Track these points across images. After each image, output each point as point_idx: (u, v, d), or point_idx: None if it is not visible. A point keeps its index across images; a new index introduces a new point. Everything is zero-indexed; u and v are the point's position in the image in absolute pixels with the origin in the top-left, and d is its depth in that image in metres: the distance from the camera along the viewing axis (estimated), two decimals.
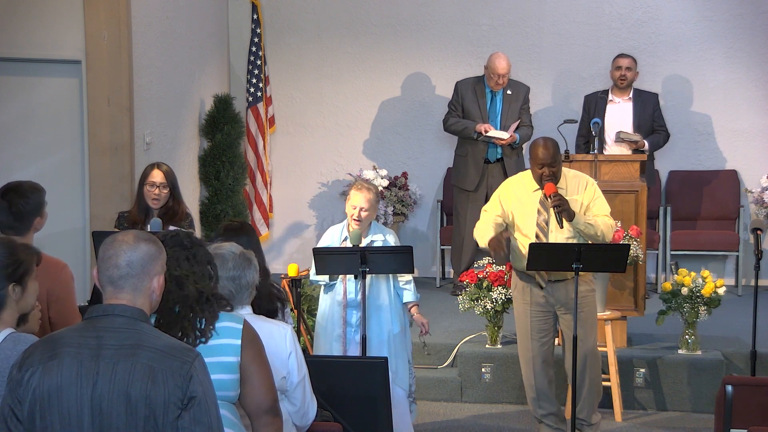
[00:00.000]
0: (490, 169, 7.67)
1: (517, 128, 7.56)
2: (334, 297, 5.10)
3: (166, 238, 2.91)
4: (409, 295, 5.13)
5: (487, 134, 7.48)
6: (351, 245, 4.98)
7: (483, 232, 5.09)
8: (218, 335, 2.85)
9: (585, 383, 5.16)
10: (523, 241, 5.06)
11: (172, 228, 5.05)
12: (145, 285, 2.53)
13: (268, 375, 2.94)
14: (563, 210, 4.91)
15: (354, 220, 5.02)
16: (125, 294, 2.50)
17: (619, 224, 5.88)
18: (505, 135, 7.46)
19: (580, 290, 4.97)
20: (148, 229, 5.10)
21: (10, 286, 2.98)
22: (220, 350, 2.84)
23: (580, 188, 5.06)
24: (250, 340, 2.90)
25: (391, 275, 5.09)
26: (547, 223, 5.02)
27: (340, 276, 5.07)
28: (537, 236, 5.02)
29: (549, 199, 4.93)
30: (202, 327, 2.84)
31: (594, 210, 5.03)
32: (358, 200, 5.01)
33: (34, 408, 2.41)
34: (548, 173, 4.95)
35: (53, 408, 2.40)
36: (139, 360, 2.40)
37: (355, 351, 5.01)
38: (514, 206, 5.10)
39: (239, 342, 2.87)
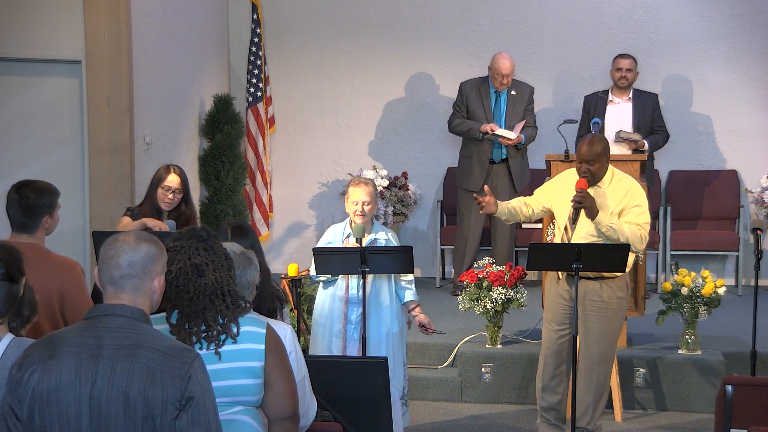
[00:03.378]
0: (495, 169, 7.67)
1: (522, 129, 7.56)
2: (335, 293, 5.08)
3: (183, 231, 2.94)
4: (410, 294, 5.13)
5: (495, 132, 7.48)
6: (355, 239, 4.98)
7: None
8: (241, 339, 2.85)
9: (590, 390, 5.13)
10: (558, 232, 5.11)
11: None
12: (146, 285, 2.53)
13: (292, 382, 2.94)
14: (583, 207, 4.93)
15: (358, 215, 5.00)
16: (126, 294, 2.51)
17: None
18: (512, 135, 7.45)
19: (602, 296, 5.01)
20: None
21: (22, 280, 2.98)
22: (244, 355, 2.84)
23: (622, 191, 5.01)
24: (275, 345, 2.91)
25: (392, 274, 5.09)
26: (574, 219, 5.06)
27: None
28: (565, 229, 5.07)
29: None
30: (224, 323, 2.84)
31: (628, 217, 4.97)
32: (359, 195, 5.01)
33: (33, 407, 2.42)
34: (584, 170, 4.97)
35: (52, 407, 2.40)
36: (138, 360, 2.40)
37: (354, 348, 5.00)
38: (557, 197, 5.15)
39: (263, 347, 2.86)
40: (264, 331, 2.89)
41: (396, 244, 5.13)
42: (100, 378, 2.39)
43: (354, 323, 5.03)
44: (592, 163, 4.95)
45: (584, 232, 5.00)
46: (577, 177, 5.09)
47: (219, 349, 2.82)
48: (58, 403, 2.40)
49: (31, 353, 2.47)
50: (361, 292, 4.98)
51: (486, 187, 5.23)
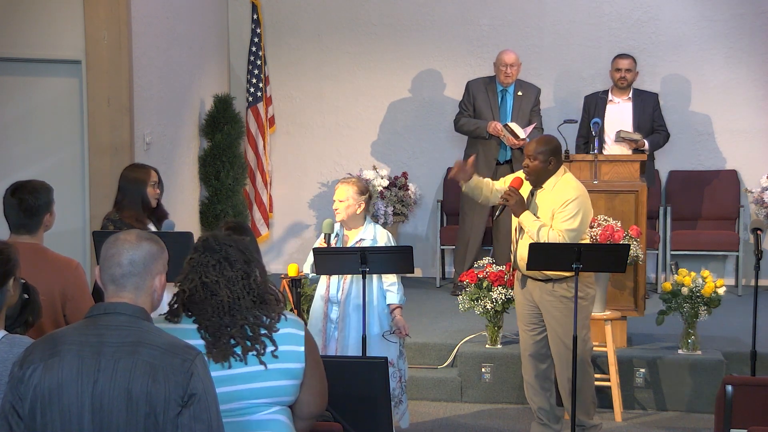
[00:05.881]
0: (500, 171, 7.65)
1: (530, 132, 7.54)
2: (319, 292, 5.16)
3: (198, 243, 2.91)
4: (392, 297, 5.10)
5: (507, 124, 7.44)
6: (324, 235, 5.00)
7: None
8: (283, 341, 2.85)
9: (564, 388, 5.17)
10: (516, 234, 5.12)
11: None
12: (147, 284, 2.55)
13: (325, 380, 2.98)
14: (508, 204, 4.98)
15: (337, 213, 5.07)
16: (127, 293, 2.52)
17: (618, 224, 5.89)
18: (522, 133, 7.42)
19: (559, 294, 5.02)
20: (162, 229, 5.14)
21: (10, 281, 2.97)
22: (285, 357, 2.84)
23: (558, 196, 4.97)
24: (312, 346, 2.93)
25: (375, 276, 5.07)
26: (497, 215, 5.17)
27: None
28: (514, 230, 5.11)
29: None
30: (252, 334, 2.81)
31: (554, 222, 4.95)
32: (337, 194, 5.08)
33: (35, 405, 2.42)
34: (524, 164, 5.01)
35: (54, 405, 2.41)
36: (140, 357, 2.41)
37: (332, 347, 5.03)
38: None
39: (303, 349, 2.87)
40: (303, 333, 2.90)
41: (383, 244, 5.12)
42: (102, 376, 2.40)
43: (334, 323, 5.05)
44: (531, 159, 4.97)
45: (526, 235, 5.01)
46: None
47: (262, 357, 2.81)
48: (59, 401, 2.41)
49: (33, 351, 2.48)
50: (340, 293, 5.03)
51: (471, 158, 5.24)
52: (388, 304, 5.12)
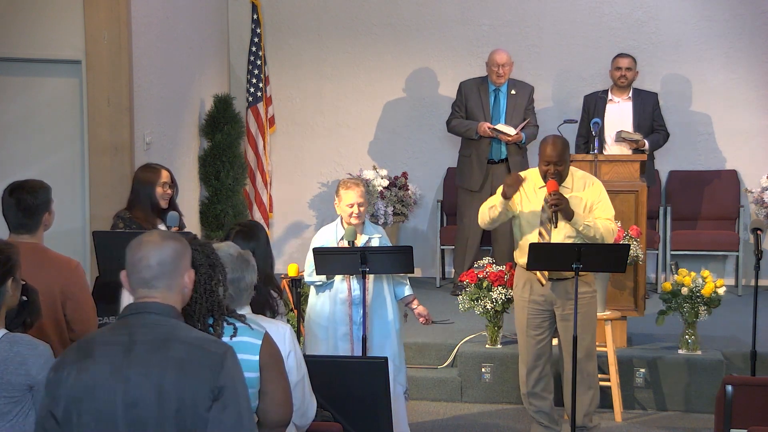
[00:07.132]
0: (494, 169, 7.65)
1: (523, 128, 7.56)
2: (337, 295, 5.07)
3: None
4: (408, 288, 5.17)
5: (495, 128, 7.48)
6: (346, 242, 4.96)
7: (488, 202, 5.14)
8: (236, 350, 2.84)
9: (582, 387, 5.16)
10: (529, 237, 5.08)
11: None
12: (178, 282, 2.56)
13: (288, 391, 2.95)
14: (560, 209, 4.92)
15: (354, 217, 5.00)
16: (158, 292, 2.53)
17: (619, 224, 5.89)
18: (512, 131, 7.45)
19: (580, 291, 4.98)
20: (167, 223, 5.16)
21: (8, 281, 2.97)
22: None
23: (587, 188, 5.06)
24: (271, 355, 2.91)
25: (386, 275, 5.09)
26: (549, 221, 5.01)
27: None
28: (540, 234, 5.02)
29: (549, 197, 4.94)
30: None
31: (596, 212, 5.02)
32: (352, 197, 5.00)
33: (69, 407, 2.42)
34: (553, 171, 4.97)
35: (89, 405, 2.41)
36: (170, 353, 2.42)
37: (360, 350, 5.00)
38: (521, 201, 5.10)
39: (257, 358, 2.86)
40: (259, 342, 2.89)
41: (388, 244, 5.15)
42: (134, 373, 2.40)
43: (359, 324, 5.02)
44: (560, 163, 4.97)
45: (562, 235, 4.99)
46: (533, 179, 5.09)
47: None
48: (94, 400, 2.41)
49: (67, 354, 2.50)
50: (367, 293, 5.01)
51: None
52: (406, 296, 5.18)
